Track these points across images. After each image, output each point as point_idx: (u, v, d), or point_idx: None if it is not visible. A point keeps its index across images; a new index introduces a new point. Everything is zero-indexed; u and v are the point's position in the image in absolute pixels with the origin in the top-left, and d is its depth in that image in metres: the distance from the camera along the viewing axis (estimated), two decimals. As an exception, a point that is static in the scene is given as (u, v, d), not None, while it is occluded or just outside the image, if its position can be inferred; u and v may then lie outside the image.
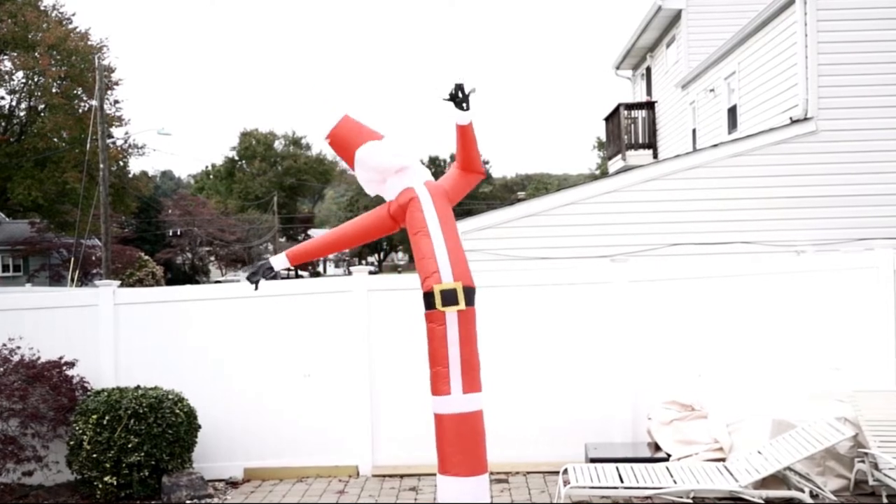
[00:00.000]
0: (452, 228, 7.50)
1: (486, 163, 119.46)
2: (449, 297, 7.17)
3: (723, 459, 9.81)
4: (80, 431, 10.56)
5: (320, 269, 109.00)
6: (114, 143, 56.70)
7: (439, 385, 7.32)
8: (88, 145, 43.88)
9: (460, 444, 7.30)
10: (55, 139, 55.60)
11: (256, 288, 8.03)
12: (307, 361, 11.89)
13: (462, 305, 7.21)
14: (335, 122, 7.95)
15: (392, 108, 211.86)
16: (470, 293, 7.28)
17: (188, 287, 13.07)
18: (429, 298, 7.29)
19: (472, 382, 7.29)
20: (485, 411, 7.49)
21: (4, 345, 11.48)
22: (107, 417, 10.48)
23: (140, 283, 52.27)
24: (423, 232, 7.39)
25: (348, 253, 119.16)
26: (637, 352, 11.58)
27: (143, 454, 10.44)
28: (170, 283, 66.90)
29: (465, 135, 7.53)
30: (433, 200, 7.53)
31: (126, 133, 62.16)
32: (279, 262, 7.89)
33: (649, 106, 30.86)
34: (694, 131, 25.95)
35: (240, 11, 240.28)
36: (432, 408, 7.42)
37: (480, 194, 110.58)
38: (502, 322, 11.59)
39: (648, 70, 32.36)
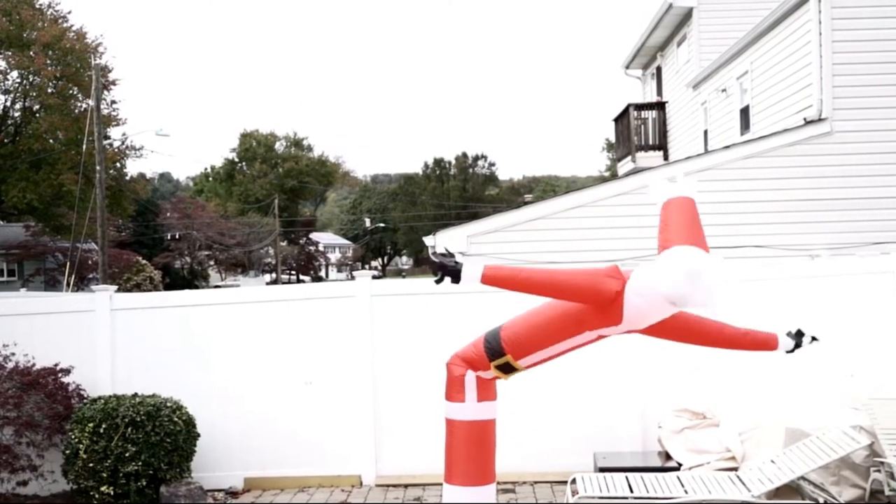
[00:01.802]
0: (583, 344, 7.42)
1: (492, 165, 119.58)
2: (506, 368, 7.33)
3: (735, 469, 9.80)
4: (76, 440, 10.56)
5: (322, 273, 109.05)
6: (110, 144, 56.80)
7: (453, 392, 7.35)
8: (84, 147, 43.89)
9: (469, 451, 7.34)
10: (51, 140, 55.64)
11: (439, 282, 6.68)
12: (309, 368, 11.90)
13: (505, 379, 7.41)
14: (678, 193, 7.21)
15: (392, 109, 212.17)
16: (513, 371, 7.41)
17: (187, 292, 13.10)
18: (496, 350, 7.30)
19: (487, 391, 7.35)
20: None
21: (-1, 351, 11.52)
22: (103, 426, 10.48)
23: (138, 287, 52.27)
24: (574, 327, 7.10)
25: (351, 257, 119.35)
26: (648, 358, 11.57)
27: (140, 463, 10.45)
28: (168, 287, 66.88)
29: None
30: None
31: (123, 134, 62.36)
32: (471, 274, 6.58)
33: (660, 106, 30.85)
34: (706, 132, 25.94)
35: (239, 9, 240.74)
36: (444, 412, 7.44)
37: (486, 197, 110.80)
38: (509, 328, 11.60)
39: (659, 69, 32.36)
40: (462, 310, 11.68)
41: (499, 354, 7.24)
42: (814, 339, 7.92)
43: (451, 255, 6.67)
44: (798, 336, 7.87)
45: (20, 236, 56.88)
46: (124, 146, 60.62)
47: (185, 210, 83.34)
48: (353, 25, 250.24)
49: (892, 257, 11.72)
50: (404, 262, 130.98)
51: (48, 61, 53.82)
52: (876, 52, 17.17)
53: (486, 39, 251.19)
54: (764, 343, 7.76)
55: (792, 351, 7.87)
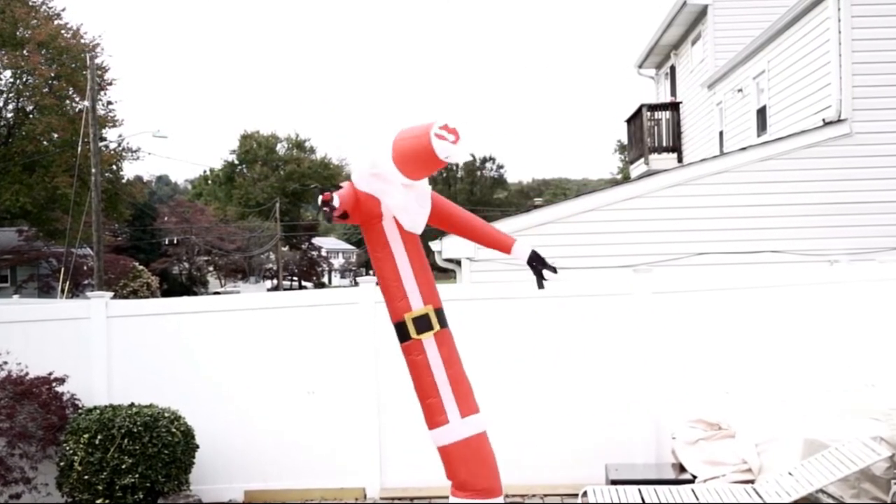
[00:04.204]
0: (418, 247, 7.41)
1: (501, 167, 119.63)
2: (422, 324, 7.17)
3: (752, 481, 9.80)
4: (71, 452, 10.58)
5: (325, 279, 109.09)
6: (107, 146, 56.87)
7: (435, 416, 7.30)
8: (80, 149, 43.96)
9: (469, 470, 7.30)
10: (45, 142, 55.73)
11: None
12: (311, 377, 11.90)
13: (437, 328, 7.20)
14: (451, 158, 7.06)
15: (397, 109, 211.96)
16: (441, 314, 7.30)
17: (185, 299, 13.12)
18: (401, 329, 7.26)
19: (467, 404, 7.28)
20: (498, 430, 7.50)
21: (-9, 360, 11.53)
22: (99, 437, 10.50)
23: (134, 294, 52.36)
24: (386, 253, 7.27)
25: (355, 262, 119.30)
26: (660, 367, 11.57)
27: (137, 476, 10.45)
28: (166, 294, 67.00)
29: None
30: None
31: (120, 136, 62.50)
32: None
33: (674, 107, 30.87)
34: (721, 133, 25.95)
35: (239, 8, 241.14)
36: (434, 441, 7.41)
37: (495, 200, 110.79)
38: (517, 335, 11.62)
39: (673, 69, 32.38)
40: (467, 316, 11.70)
41: (402, 326, 7.25)
42: (552, 270, 7.62)
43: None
44: (537, 264, 7.79)
45: (13, 241, 56.85)
46: (121, 148, 60.79)
47: (184, 214, 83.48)
48: (355, 24, 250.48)
49: (914, 263, 11.71)
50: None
51: (42, 60, 53.85)
52: (897, 50, 17.18)
53: (493, 38, 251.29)
54: (500, 243, 7.70)
55: (536, 272, 7.65)
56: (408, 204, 7.04)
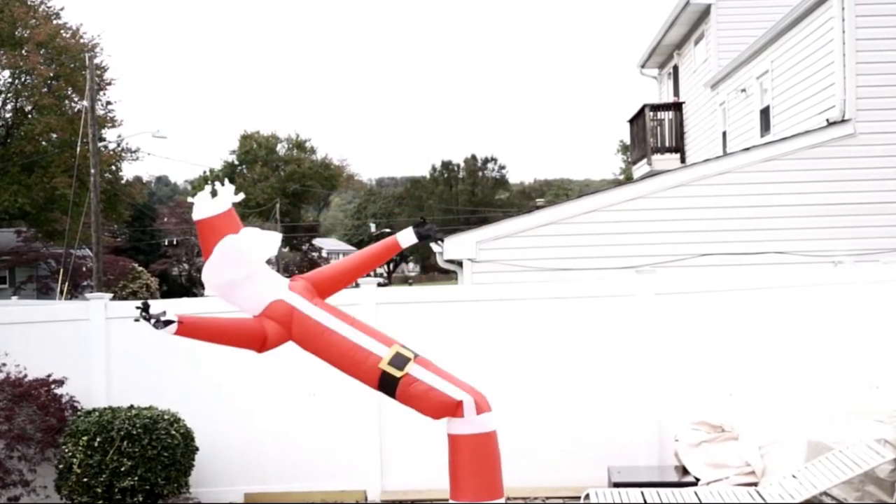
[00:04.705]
0: (338, 311, 7.68)
1: (503, 168, 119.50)
2: (399, 360, 7.29)
3: (755, 484, 9.79)
4: (70, 454, 10.58)
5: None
6: (106, 146, 56.83)
7: (453, 409, 7.35)
8: (79, 149, 43.91)
9: (475, 467, 7.32)
10: (44, 142, 55.71)
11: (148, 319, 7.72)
12: (312, 379, 11.86)
13: (413, 356, 7.37)
14: (221, 209, 8.18)
15: (399, 109, 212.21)
16: (406, 349, 7.45)
17: (184, 300, 13.08)
18: (386, 380, 7.33)
19: (480, 403, 7.33)
20: (501, 432, 7.50)
21: (-11, 361, 11.52)
22: (98, 439, 10.50)
23: (133, 295, 52.28)
24: (325, 333, 7.47)
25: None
26: (663, 369, 11.57)
27: (136, 478, 10.45)
28: (165, 295, 66.96)
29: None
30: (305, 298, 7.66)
31: (119, 136, 62.32)
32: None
33: (676, 107, 30.86)
34: (724, 134, 25.93)
35: (239, 8, 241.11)
36: (447, 429, 7.43)
37: (497, 201, 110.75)
38: (519, 337, 11.62)
39: (675, 69, 32.37)
40: (469, 317, 11.71)
41: (386, 377, 7.33)
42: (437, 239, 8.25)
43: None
44: (422, 227, 8.23)
45: (12, 242, 56.70)
46: (120, 148, 60.77)
47: (184, 215, 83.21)
48: (357, 23, 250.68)
49: (919, 264, 11.71)
50: (411, 268, 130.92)
51: (41, 60, 53.83)
52: (901, 50, 17.16)
53: (495, 37, 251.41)
54: (389, 249, 8.40)
55: (423, 239, 8.17)
56: (253, 234, 8.00)
